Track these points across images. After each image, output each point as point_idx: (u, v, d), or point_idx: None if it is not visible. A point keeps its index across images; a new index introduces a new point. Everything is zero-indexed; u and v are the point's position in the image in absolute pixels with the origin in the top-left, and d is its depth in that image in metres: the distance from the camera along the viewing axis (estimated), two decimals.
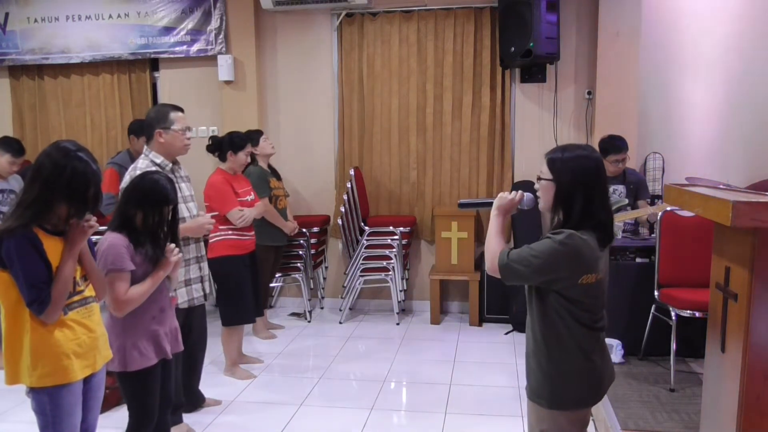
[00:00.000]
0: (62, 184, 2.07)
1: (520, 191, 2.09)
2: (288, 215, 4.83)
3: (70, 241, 2.13)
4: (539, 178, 1.99)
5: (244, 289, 3.99)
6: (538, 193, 2.01)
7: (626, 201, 4.25)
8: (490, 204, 2.10)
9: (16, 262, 2.01)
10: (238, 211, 3.91)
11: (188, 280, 3.26)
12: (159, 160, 3.18)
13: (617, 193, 4.33)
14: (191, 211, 3.33)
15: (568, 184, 1.90)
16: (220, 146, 4.08)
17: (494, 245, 1.99)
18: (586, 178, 1.90)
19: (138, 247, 2.46)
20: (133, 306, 2.43)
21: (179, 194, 3.20)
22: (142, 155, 3.23)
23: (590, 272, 1.88)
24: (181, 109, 3.28)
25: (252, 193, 4.17)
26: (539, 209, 2.03)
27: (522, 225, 5.01)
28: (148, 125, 3.22)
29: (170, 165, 3.22)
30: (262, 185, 4.54)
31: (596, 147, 4.49)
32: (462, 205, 2.30)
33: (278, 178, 4.94)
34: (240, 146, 4.05)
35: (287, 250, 5.20)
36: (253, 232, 4.11)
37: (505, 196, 2.07)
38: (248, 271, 4.04)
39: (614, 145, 4.27)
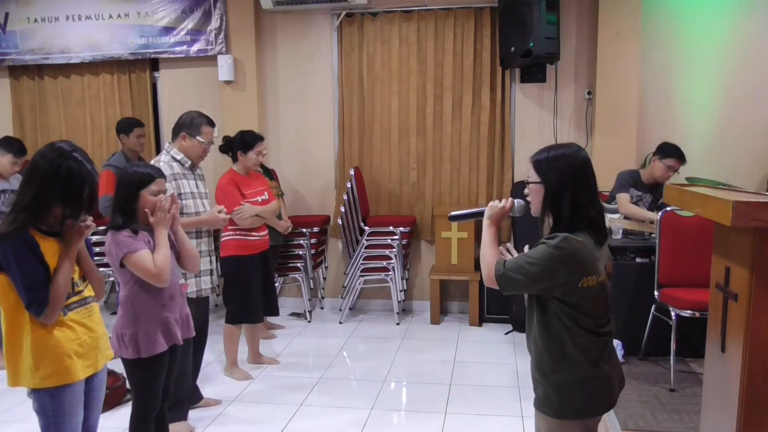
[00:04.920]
0: (58, 184, 2.07)
1: (510, 198, 2.06)
2: (282, 214, 4.82)
3: (67, 242, 2.13)
4: (528, 183, 1.96)
5: (251, 289, 3.99)
6: (528, 198, 1.98)
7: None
8: (482, 214, 2.07)
9: (13, 265, 2.02)
10: (239, 207, 3.90)
11: (198, 271, 3.29)
12: (179, 156, 3.36)
13: (644, 201, 4.31)
14: (205, 207, 3.43)
15: (556, 183, 1.87)
16: (231, 146, 4.08)
17: (489, 256, 1.96)
18: (574, 177, 1.87)
19: (135, 232, 2.50)
20: (168, 270, 2.49)
21: (197, 191, 3.38)
22: (164, 151, 3.39)
23: (590, 274, 1.83)
24: (213, 124, 3.49)
25: (265, 193, 4.14)
26: (532, 214, 1.99)
27: (522, 227, 5.01)
28: (178, 125, 3.41)
29: (189, 162, 3.38)
30: None
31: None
32: (453, 218, 2.23)
33: (271, 177, 4.93)
34: (249, 145, 4.03)
35: (287, 250, 5.20)
36: (265, 232, 4.10)
37: (495, 205, 2.04)
38: (257, 271, 4.04)
39: (679, 154, 4.16)
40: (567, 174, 1.88)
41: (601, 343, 1.91)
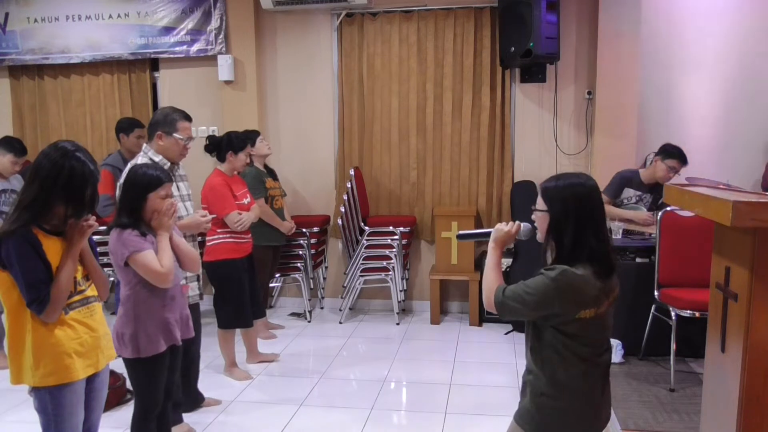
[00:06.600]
0: (60, 184, 2.08)
1: (517, 222, 2.05)
2: (285, 215, 4.82)
3: (69, 241, 2.14)
4: (534, 209, 1.96)
5: (242, 292, 3.97)
6: (535, 224, 1.98)
7: (643, 209, 4.29)
8: (488, 235, 2.07)
9: (15, 263, 2.03)
10: (237, 214, 3.88)
11: (184, 278, 3.26)
12: (158, 158, 3.22)
13: (644, 201, 4.33)
14: (188, 210, 3.35)
15: (561, 213, 1.87)
16: (218, 146, 4.03)
17: (491, 281, 1.96)
18: (579, 206, 1.86)
19: (144, 235, 2.52)
20: (173, 271, 2.52)
21: (178, 193, 3.28)
22: (141, 153, 3.28)
23: (588, 307, 1.82)
24: (189, 119, 3.32)
25: (248, 195, 4.15)
26: (538, 240, 1.99)
27: (524, 244, 4.93)
28: (152, 124, 3.26)
29: (168, 164, 3.26)
30: (258, 186, 4.54)
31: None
32: (460, 237, 2.29)
33: (274, 178, 4.93)
34: (240, 147, 4.02)
35: (287, 250, 5.20)
36: (250, 235, 4.08)
37: (501, 228, 2.04)
38: (246, 274, 4.03)
39: (681, 155, 4.21)
40: (572, 203, 1.87)
41: (596, 375, 1.90)
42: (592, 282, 1.83)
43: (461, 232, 2.31)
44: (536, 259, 1.96)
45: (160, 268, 2.46)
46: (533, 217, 1.98)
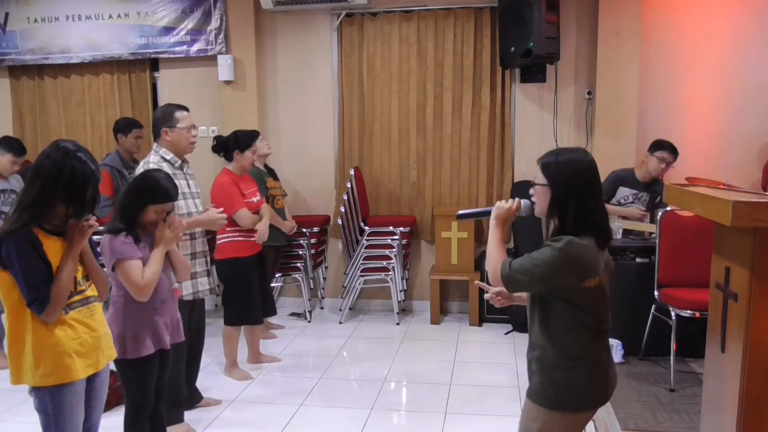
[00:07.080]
0: (61, 183, 2.08)
1: (517, 199, 2.07)
2: (286, 215, 4.83)
3: (70, 241, 2.14)
4: (534, 184, 1.98)
5: (252, 290, 3.98)
6: (533, 199, 2.00)
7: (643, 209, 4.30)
8: (489, 213, 2.09)
9: (15, 263, 2.03)
10: (246, 212, 3.88)
11: (194, 273, 3.29)
12: (169, 156, 3.29)
13: (641, 200, 4.33)
14: (197, 207, 3.39)
15: (563, 188, 1.90)
16: (225, 146, 4.05)
17: (496, 256, 1.99)
18: (581, 182, 1.90)
19: (137, 240, 2.52)
20: (153, 286, 2.51)
21: (188, 190, 3.33)
22: (152, 151, 3.32)
23: (593, 276, 1.88)
24: (186, 109, 3.40)
25: (258, 194, 4.14)
26: (536, 215, 2.02)
27: (523, 228, 4.99)
28: (155, 124, 3.34)
29: (180, 161, 3.33)
30: (259, 186, 4.54)
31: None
32: (460, 216, 2.27)
33: (275, 177, 4.93)
34: (247, 145, 4.02)
35: (287, 250, 5.20)
36: None
37: (502, 206, 2.06)
38: (256, 272, 4.05)
39: (671, 146, 4.24)
40: (574, 179, 1.90)
41: (601, 342, 1.96)
42: (596, 251, 1.88)
43: (461, 211, 2.26)
44: (536, 227, 1.98)
45: (140, 280, 2.46)
46: (531, 191, 2.00)
